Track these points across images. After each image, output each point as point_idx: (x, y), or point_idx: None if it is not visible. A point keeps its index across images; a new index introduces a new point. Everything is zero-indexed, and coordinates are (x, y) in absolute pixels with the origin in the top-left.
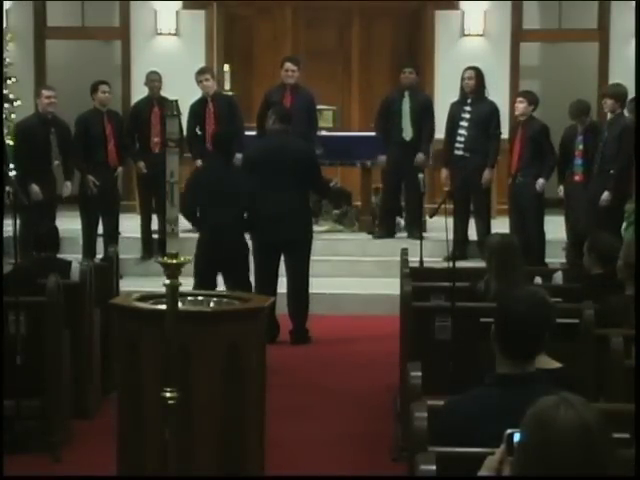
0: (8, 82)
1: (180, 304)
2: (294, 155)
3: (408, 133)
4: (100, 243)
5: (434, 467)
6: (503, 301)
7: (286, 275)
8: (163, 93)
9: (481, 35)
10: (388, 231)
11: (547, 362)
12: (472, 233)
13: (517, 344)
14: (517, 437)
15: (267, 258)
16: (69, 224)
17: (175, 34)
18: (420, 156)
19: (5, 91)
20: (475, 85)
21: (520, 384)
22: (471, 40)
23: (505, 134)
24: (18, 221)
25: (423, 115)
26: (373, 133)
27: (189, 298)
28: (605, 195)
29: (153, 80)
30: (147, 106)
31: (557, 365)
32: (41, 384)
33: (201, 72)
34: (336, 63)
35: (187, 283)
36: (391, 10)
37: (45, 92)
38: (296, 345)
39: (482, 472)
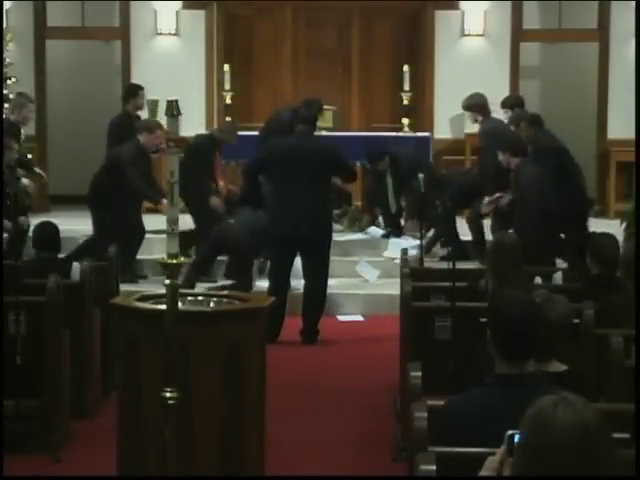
0: (8, 82)
1: (180, 304)
2: (314, 154)
3: (393, 207)
4: None
5: (434, 467)
6: (496, 302)
7: (303, 275)
8: (163, 93)
9: (481, 35)
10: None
11: (554, 365)
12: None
13: (511, 345)
14: (518, 438)
15: (284, 256)
16: (69, 224)
17: (175, 34)
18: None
19: (5, 91)
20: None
21: (519, 384)
22: (471, 40)
23: None
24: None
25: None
26: (373, 133)
27: (189, 298)
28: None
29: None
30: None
31: (563, 367)
32: (41, 384)
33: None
34: (336, 63)
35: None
36: (391, 10)
37: (159, 132)
38: (305, 345)
39: (482, 472)
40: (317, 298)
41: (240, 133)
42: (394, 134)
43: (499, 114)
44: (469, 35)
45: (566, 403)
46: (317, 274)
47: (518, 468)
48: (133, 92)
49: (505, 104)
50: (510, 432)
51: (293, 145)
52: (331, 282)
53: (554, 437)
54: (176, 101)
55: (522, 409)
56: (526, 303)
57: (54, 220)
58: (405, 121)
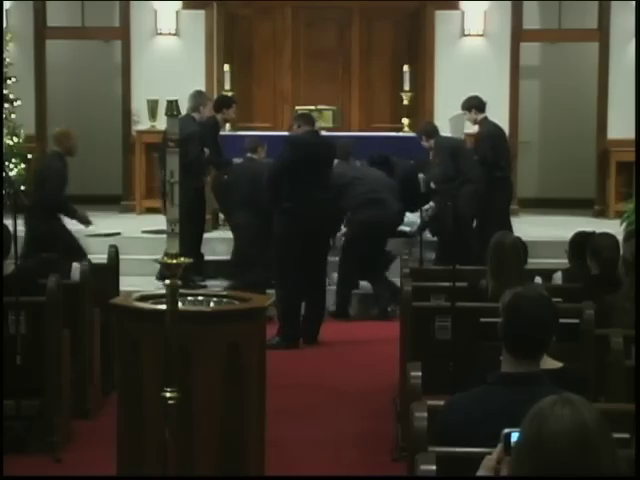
0: (8, 82)
1: (180, 304)
2: (329, 152)
3: None
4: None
5: (434, 467)
6: (512, 300)
7: (307, 277)
8: (163, 93)
9: (481, 35)
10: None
11: (548, 362)
12: None
13: (524, 344)
14: (514, 436)
15: (306, 255)
16: (69, 224)
17: (175, 34)
18: None
19: (5, 91)
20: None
21: (523, 384)
22: (471, 40)
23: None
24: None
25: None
26: (373, 133)
27: (189, 298)
28: None
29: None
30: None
31: (559, 365)
32: (41, 384)
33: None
34: (336, 63)
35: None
36: (391, 10)
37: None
38: (305, 345)
39: (480, 472)
40: (322, 300)
41: (241, 133)
42: (394, 134)
43: (494, 115)
44: (469, 35)
45: (565, 402)
46: (323, 276)
47: (516, 467)
48: (228, 104)
49: (464, 106)
50: (506, 430)
51: (315, 143)
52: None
53: (547, 436)
54: (176, 101)
55: (523, 409)
56: (543, 302)
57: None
58: (405, 121)
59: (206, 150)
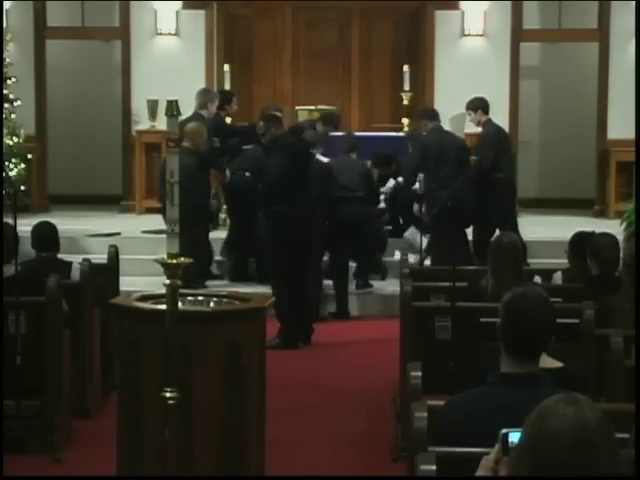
0: (8, 82)
1: (180, 304)
2: (309, 152)
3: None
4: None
5: (434, 467)
6: (511, 300)
7: (295, 277)
8: (163, 93)
9: (481, 35)
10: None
11: (548, 361)
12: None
13: (523, 343)
14: (512, 437)
15: (297, 257)
16: (69, 224)
17: (175, 34)
18: None
19: (5, 91)
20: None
21: (523, 384)
22: (471, 40)
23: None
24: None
25: None
26: (373, 133)
27: (189, 298)
28: None
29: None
30: None
31: (558, 364)
32: (41, 384)
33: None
34: (336, 63)
35: None
36: (391, 10)
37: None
38: (305, 345)
39: (478, 472)
40: (313, 299)
41: None
42: (394, 134)
43: (494, 115)
44: (469, 35)
45: (569, 401)
46: (314, 275)
47: (516, 467)
48: (228, 100)
49: (469, 106)
50: (504, 431)
51: (298, 144)
52: (331, 283)
53: (549, 432)
54: (176, 101)
55: (523, 409)
56: (542, 302)
57: (54, 220)
58: (405, 121)
59: (215, 140)
